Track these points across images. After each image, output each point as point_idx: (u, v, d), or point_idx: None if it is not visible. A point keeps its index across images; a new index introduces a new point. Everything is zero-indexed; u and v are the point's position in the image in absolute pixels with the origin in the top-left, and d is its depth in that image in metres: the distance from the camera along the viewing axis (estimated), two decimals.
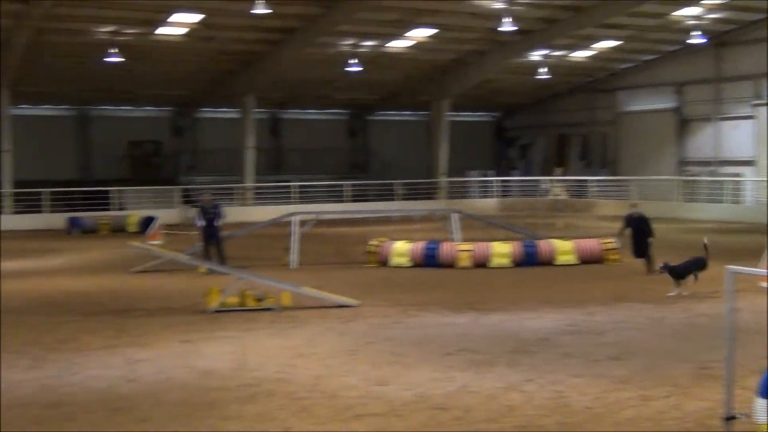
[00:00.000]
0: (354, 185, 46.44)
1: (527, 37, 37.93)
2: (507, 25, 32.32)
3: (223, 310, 14.39)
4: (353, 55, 39.68)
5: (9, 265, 22.78)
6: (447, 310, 14.45)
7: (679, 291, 15.55)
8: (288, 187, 44.89)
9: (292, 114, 52.25)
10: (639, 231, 18.68)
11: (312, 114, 52.67)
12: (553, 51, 41.08)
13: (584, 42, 40.07)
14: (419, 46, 39.90)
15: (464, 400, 8.84)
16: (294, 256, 21.32)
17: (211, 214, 20.82)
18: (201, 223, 20.90)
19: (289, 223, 22.71)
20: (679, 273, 15.88)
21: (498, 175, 49.09)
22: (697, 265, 16.08)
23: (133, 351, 11.48)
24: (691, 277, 15.89)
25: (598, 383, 9.41)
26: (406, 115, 54.57)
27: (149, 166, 48.26)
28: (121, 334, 12.69)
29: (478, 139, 54.56)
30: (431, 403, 8.70)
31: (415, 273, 19.58)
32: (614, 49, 41.65)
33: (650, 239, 18.55)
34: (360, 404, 8.70)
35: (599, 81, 47.31)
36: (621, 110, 46.66)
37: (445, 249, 20.71)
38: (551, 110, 50.99)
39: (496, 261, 20.26)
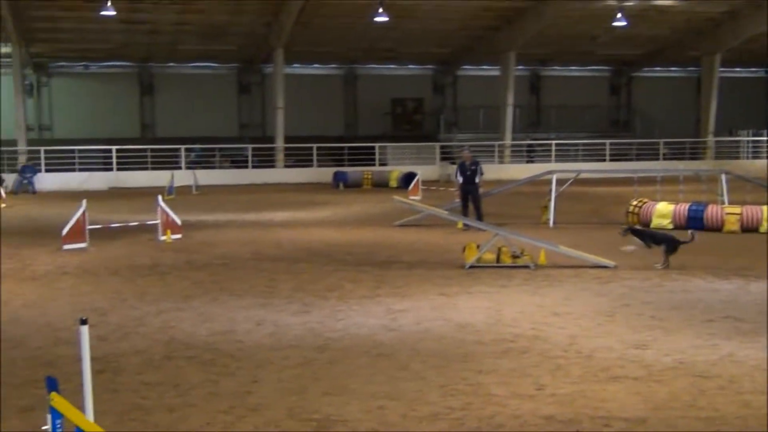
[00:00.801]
0: (615, 144, 45.23)
1: None
2: None
3: (479, 266, 14.57)
4: (620, 9, 38.40)
5: (280, 215, 24.31)
6: (711, 275, 13.81)
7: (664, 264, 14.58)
8: (547, 144, 44.45)
9: (553, 71, 51.51)
10: None
11: (573, 70, 51.62)
12: None
13: None
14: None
15: (728, 369, 8.45)
16: (552, 215, 21.16)
17: (470, 171, 20.99)
18: (460, 179, 21.13)
19: (547, 182, 22.54)
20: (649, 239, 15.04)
21: None
22: (668, 243, 14.82)
23: (394, 301, 11.89)
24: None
25: None
26: (672, 71, 52.26)
27: (411, 123, 49.39)
28: (382, 285, 13.18)
29: (749, 96, 51.31)
30: (693, 371, 8.39)
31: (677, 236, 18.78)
32: None
33: None
34: (617, 366, 8.54)
35: None
36: None
37: (711, 211, 19.75)
38: None
39: None
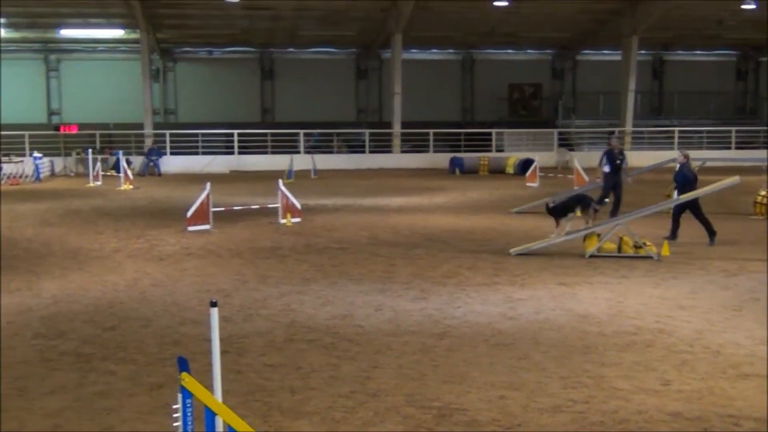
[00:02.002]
0: (741, 131, 43.68)
1: None
2: None
3: (599, 256, 14.31)
4: None
5: (396, 200, 24.41)
6: None
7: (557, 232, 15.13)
8: (670, 131, 43.27)
9: (677, 55, 50.04)
10: None
11: (698, 55, 50.04)
12: None
13: None
14: None
15: None
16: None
17: (619, 160, 20.55)
18: (607, 168, 20.63)
19: (670, 170, 21.92)
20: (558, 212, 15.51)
21: None
22: (580, 201, 15.68)
23: (512, 290, 11.79)
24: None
25: None
26: None
27: (528, 109, 48.82)
28: (501, 273, 13.08)
29: None
30: None
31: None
32: None
33: None
34: (746, 363, 8.25)
35: None
36: None
37: None
38: None
39: None
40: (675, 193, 17.29)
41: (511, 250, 14.90)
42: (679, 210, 16.47)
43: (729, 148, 42.84)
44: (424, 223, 19.27)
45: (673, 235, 16.33)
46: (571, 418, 6.83)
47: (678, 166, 17.47)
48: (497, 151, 41.49)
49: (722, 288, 11.94)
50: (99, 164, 32.78)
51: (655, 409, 7.01)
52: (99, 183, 31.28)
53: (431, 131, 41.57)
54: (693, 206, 16.18)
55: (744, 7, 37.81)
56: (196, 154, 40.25)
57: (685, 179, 16.73)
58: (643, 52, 44.82)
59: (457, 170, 36.97)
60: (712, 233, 16.06)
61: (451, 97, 48.78)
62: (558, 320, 10.04)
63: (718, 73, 50.28)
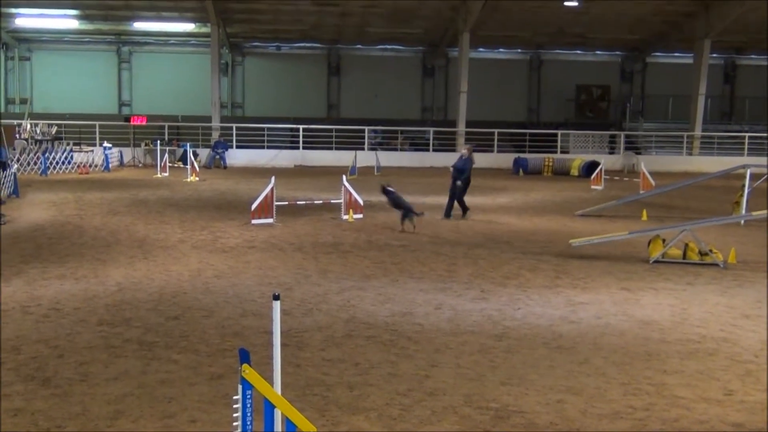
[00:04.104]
0: None
1: None
2: None
3: (664, 261, 14.10)
4: None
5: None
6: None
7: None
8: (740, 137, 42.42)
9: (750, 59, 49.00)
10: None
11: None
12: None
13: None
14: None
15: None
16: (744, 211, 20.18)
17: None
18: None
19: (740, 176, 21.50)
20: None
21: None
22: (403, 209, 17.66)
23: (574, 293, 11.68)
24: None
25: None
26: None
27: (596, 111, 48.29)
28: (562, 275, 12.97)
29: None
30: None
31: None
32: None
33: None
34: None
35: None
36: None
37: None
38: None
39: None
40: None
41: (572, 241, 15.14)
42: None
43: None
44: (487, 223, 19.20)
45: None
46: (631, 425, 6.75)
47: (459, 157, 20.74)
48: (562, 152, 41.13)
49: None
50: (167, 156, 33.31)
51: (717, 419, 6.89)
52: (166, 174, 31.78)
53: (496, 131, 41.37)
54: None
55: None
56: (262, 148, 40.64)
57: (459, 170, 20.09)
58: (714, 55, 44.02)
59: (521, 171, 36.73)
60: (465, 210, 19.99)
61: (517, 97, 48.47)
62: (620, 325, 9.92)
63: None
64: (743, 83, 49.07)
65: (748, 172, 21.05)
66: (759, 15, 39.25)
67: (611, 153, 41.43)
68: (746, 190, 20.56)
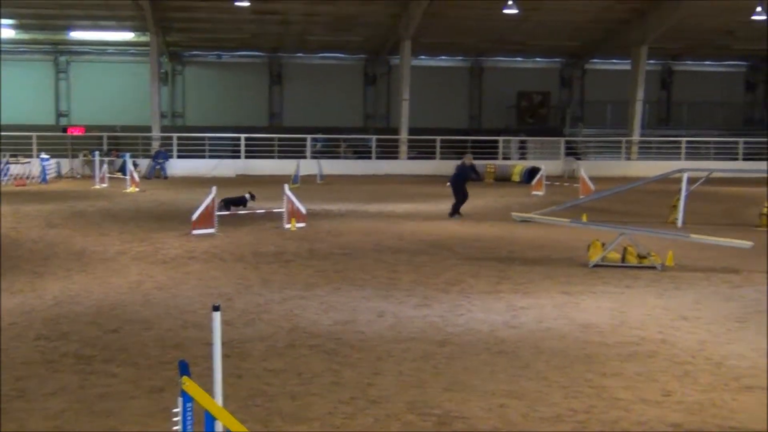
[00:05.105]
0: (749, 142, 43.62)
1: None
2: None
3: (603, 265, 14.28)
4: (759, 3, 36.97)
5: (402, 207, 24.43)
6: None
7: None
8: (677, 142, 43.24)
9: (686, 65, 50.01)
10: None
11: (707, 66, 50.00)
12: None
13: None
14: None
15: None
16: (680, 215, 20.55)
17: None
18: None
19: (676, 180, 21.89)
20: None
21: None
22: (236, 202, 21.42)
23: (515, 298, 11.77)
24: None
25: None
26: None
27: (536, 117, 48.84)
28: (504, 281, 13.06)
29: None
30: None
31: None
32: None
33: None
34: (748, 375, 8.22)
35: None
36: None
37: None
38: None
39: None
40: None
41: (513, 214, 17.30)
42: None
43: (736, 158, 42.78)
44: (429, 230, 19.26)
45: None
46: (572, 428, 6.82)
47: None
48: (504, 158, 41.47)
49: (726, 299, 11.90)
50: (105, 166, 32.86)
51: (656, 420, 6.99)
52: (105, 185, 31.34)
53: (438, 138, 41.58)
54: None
55: (754, 18, 37.78)
56: (203, 157, 40.32)
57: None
58: (652, 61, 44.82)
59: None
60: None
61: (459, 104, 48.81)
62: (560, 329, 10.02)
63: (727, 83, 50.26)
64: (680, 89, 50.02)
65: (685, 176, 21.44)
66: (695, 22, 40.10)
67: (552, 159, 41.88)
68: (683, 194, 20.93)
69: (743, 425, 6.91)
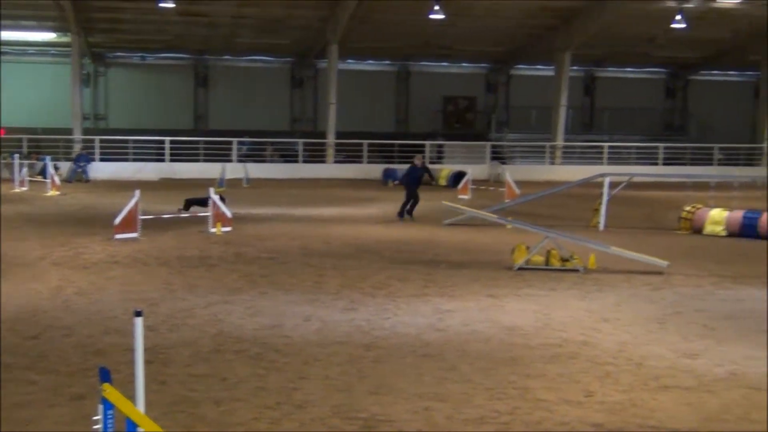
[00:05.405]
0: (668, 147, 44.67)
1: None
2: None
3: (527, 268, 14.47)
4: (679, 11, 37.91)
5: (329, 210, 24.38)
6: (765, 285, 13.55)
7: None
8: (600, 147, 44.04)
9: (608, 72, 50.99)
10: None
11: (629, 72, 51.09)
12: None
13: None
14: (752, 2, 37.32)
15: None
16: (603, 218, 20.94)
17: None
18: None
19: (598, 185, 22.30)
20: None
21: None
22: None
23: (441, 301, 11.85)
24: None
25: None
26: (731, 76, 51.44)
27: (462, 122, 49.25)
28: (430, 284, 13.14)
29: None
30: (745, 382, 8.23)
31: (730, 243, 18.59)
32: None
33: None
34: (668, 375, 8.42)
35: None
36: None
37: (767, 219, 19.39)
38: None
39: None
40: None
41: (445, 202, 18.82)
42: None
43: (656, 163, 43.75)
44: (356, 234, 19.28)
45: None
46: (496, 429, 6.89)
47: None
48: (431, 163, 41.70)
49: (646, 301, 12.17)
50: (25, 169, 32.09)
51: (578, 421, 7.10)
52: (25, 188, 30.61)
53: (365, 142, 41.65)
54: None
55: (674, 26, 38.73)
56: (126, 160, 39.69)
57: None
58: (575, 68, 45.56)
59: (391, 181, 37.02)
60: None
61: (386, 108, 48.96)
62: (485, 332, 10.12)
63: (648, 90, 51.36)
64: (602, 94, 50.97)
65: (607, 180, 21.86)
66: (617, 30, 40.90)
67: (478, 163, 42.25)
68: (605, 198, 21.33)
69: (662, 424, 7.06)
